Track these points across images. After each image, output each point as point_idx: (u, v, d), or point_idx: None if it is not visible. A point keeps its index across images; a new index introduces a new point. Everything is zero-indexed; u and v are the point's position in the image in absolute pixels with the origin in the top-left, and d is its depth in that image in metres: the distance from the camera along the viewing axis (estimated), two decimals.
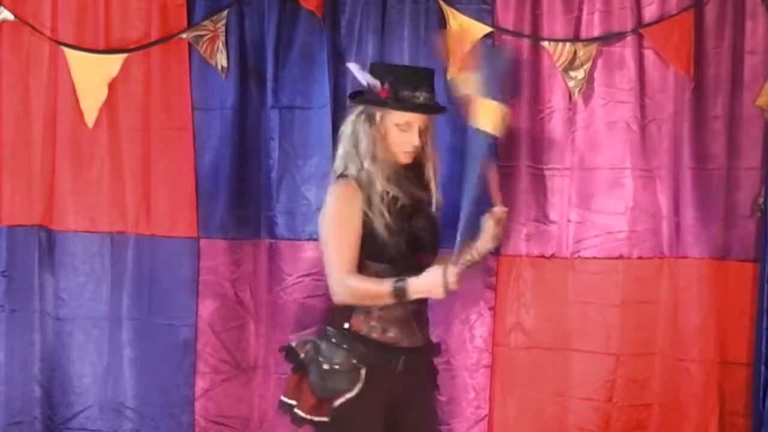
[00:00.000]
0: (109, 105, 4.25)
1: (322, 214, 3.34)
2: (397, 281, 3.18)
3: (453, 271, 3.12)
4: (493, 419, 4.06)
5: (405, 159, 3.32)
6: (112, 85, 4.23)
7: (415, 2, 4.07)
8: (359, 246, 3.24)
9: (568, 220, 3.99)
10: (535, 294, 4.03)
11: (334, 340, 3.29)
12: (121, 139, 4.28)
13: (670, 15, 3.86)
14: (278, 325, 4.19)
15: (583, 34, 3.95)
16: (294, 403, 3.31)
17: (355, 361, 3.26)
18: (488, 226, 3.35)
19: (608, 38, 3.93)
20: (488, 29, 4.00)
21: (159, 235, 4.26)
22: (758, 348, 3.79)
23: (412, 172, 3.36)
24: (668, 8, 3.87)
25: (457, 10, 4.00)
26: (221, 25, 4.17)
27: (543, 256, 4.02)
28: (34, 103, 4.29)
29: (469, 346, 4.04)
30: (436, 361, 3.54)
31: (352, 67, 3.43)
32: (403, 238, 3.27)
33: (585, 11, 3.95)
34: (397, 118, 3.28)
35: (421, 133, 3.30)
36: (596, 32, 3.94)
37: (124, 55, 4.21)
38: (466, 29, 3.96)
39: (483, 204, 3.34)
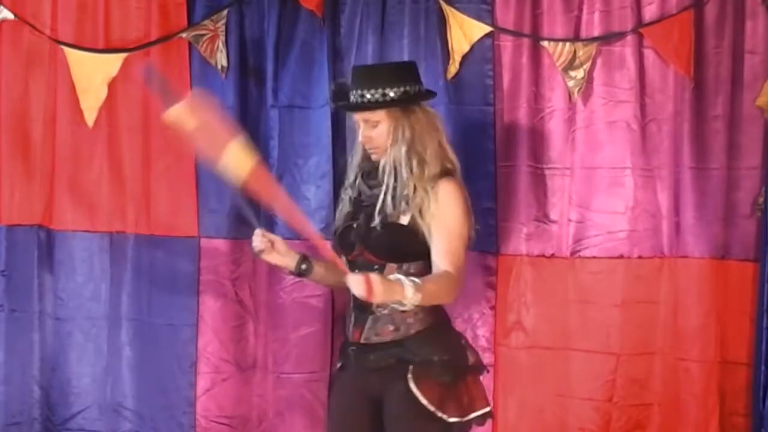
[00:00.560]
0: (109, 104, 4.25)
1: None
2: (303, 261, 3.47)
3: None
4: (495, 419, 4.04)
5: (373, 157, 3.39)
6: (112, 85, 4.24)
7: (415, 2, 4.06)
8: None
9: (569, 220, 3.98)
10: (535, 294, 4.03)
11: None
12: (121, 138, 4.28)
13: (670, 15, 3.85)
14: (278, 324, 4.19)
15: (583, 34, 3.95)
16: None
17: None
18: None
19: (608, 38, 3.92)
20: (488, 29, 4.00)
21: (159, 234, 4.26)
22: (758, 348, 3.78)
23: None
24: (668, 8, 3.86)
25: (457, 9, 4.00)
26: (221, 25, 4.17)
27: (543, 256, 4.02)
28: (34, 102, 4.30)
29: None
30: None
31: None
32: (339, 230, 3.46)
33: (585, 11, 3.94)
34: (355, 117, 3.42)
35: (368, 130, 3.36)
36: (596, 32, 3.93)
37: (124, 55, 4.22)
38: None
39: None
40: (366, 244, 3.34)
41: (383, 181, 3.34)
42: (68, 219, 4.32)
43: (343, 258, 3.37)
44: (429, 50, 4.05)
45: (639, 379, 3.93)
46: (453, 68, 4.03)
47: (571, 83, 3.94)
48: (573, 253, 3.98)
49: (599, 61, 3.94)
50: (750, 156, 3.84)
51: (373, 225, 3.33)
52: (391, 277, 3.18)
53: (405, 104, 3.33)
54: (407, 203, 3.30)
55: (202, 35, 4.18)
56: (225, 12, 4.17)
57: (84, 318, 4.34)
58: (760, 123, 3.83)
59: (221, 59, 4.18)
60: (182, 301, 4.25)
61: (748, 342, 3.84)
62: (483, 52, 4.02)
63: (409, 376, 3.29)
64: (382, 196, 3.33)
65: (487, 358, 4.02)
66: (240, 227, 4.19)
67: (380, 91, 3.31)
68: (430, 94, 3.47)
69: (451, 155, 3.40)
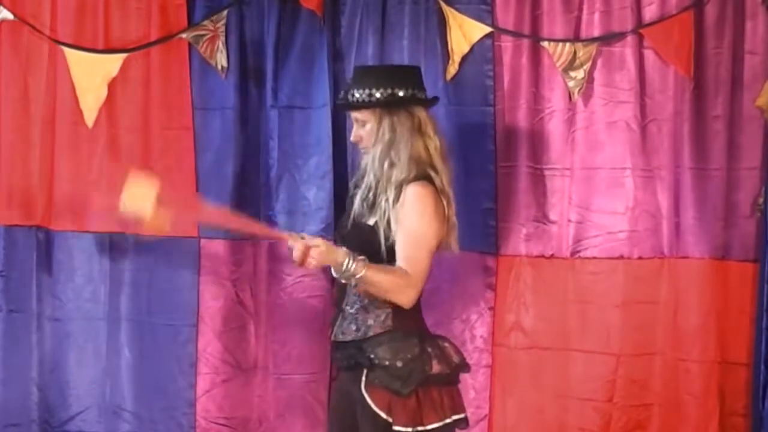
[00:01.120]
0: (109, 105, 4.25)
1: None
2: None
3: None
4: (493, 419, 4.05)
5: (364, 156, 3.41)
6: (111, 85, 4.23)
7: (415, 2, 4.07)
8: None
9: (568, 220, 3.98)
10: (535, 294, 4.02)
11: None
12: (121, 138, 4.28)
13: (670, 15, 3.85)
14: (278, 325, 4.19)
15: (583, 34, 3.95)
16: None
17: None
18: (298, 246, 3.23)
19: (608, 38, 3.93)
20: (488, 29, 4.01)
21: (159, 234, 4.24)
22: (758, 348, 3.78)
23: None
24: (668, 8, 3.87)
25: (457, 10, 4.01)
26: (221, 25, 4.17)
27: (543, 256, 4.02)
28: (34, 102, 4.30)
29: (469, 346, 4.02)
30: None
31: None
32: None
33: (585, 11, 3.94)
34: None
35: (358, 128, 3.37)
36: (596, 32, 3.94)
37: (123, 55, 4.21)
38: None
39: None
40: (342, 241, 3.35)
41: (361, 181, 3.37)
42: (67, 219, 4.31)
43: None
44: (429, 51, 4.05)
45: (639, 379, 3.93)
46: (453, 69, 4.03)
47: (571, 84, 3.94)
48: (573, 254, 3.98)
49: (599, 62, 3.94)
50: (750, 156, 3.85)
51: (348, 223, 3.36)
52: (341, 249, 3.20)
53: (388, 106, 3.32)
54: (375, 205, 3.29)
55: (202, 35, 4.18)
56: (225, 12, 4.17)
57: (83, 319, 4.34)
58: (760, 123, 3.83)
59: (221, 59, 4.18)
60: (182, 301, 4.25)
61: (748, 342, 3.84)
62: (483, 52, 4.02)
63: (363, 378, 3.25)
64: (357, 196, 3.35)
65: (485, 359, 4.04)
66: None
67: (367, 91, 3.32)
68: (419, 99, 3.37)
69: (439, 163, 3.33)
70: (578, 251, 3.98)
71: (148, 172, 3.31)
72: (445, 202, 3.30)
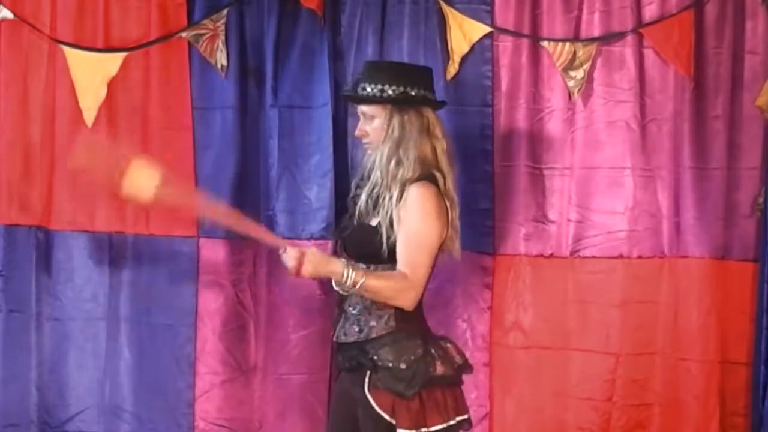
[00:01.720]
0: (109, 104, 4.24)
1: None
2: None
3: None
4: (493, 418, 4.05)
5: (367, 152, 3.40)
6: (111, 84, 4.23)
7: (415, 2, 4.07)
8: None
9: (568, 220, 3.99)
10: (534, 294, 4.03)
11: None
12: (121, 138, 4.27)
13: (670, 15, 3.87)
14: (278, 325, 4.18)
15: (583, 34, 3.96)
16: None
17: None
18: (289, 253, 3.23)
19: (608, 38, 3.93)
20: (488, 29, 4.01)
21: (158, 234, 4.25)
22: (758, 348, 3.79)
23: None
24: (668, 8, 3.88)
25: (457, 10, 4.01)
26: (221, 24, 4.17)
27: (542, 256, 4.02)
28: (33, 102, 4.28)
29: (470, 345, 4.02)
30: None
31: None
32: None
33: (585, 11, 3.95)
34: None
35: (365, 123, 3.35)
36: (596, 32, 3.94)
37: (123, 54, 4.21)
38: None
39: None
40: (344, 242, 3.35)
41: (367, 180, 3.35)
42: (67, 219, 4.30)
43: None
44: (429, 50, 4.06)
45: (639, 379, 3.94)
46: (452, 68, 4.04)
47: (571, 83, 3.94)
48: (572, 253, 3.99)
49: (599, 61, 3.95)
50: (750, 156, 3.86)
51: (351, 223, 3.34)
52: (338, 259, 3.21)
53: (400, 104, 3.31)
54: (378, 204, 3.28)
55: (202, 35, 4.17)
56: (225, 11, 4.17)
57: (82, 319, 4.33)
58: (760, 123, 3.84)
59: (221, 59, 4.18)
60: (181, 301, 4.24)
61: (748, 342, 3.85)
62: (482, 52, 4.03)
63: (366, 380, 3.23)
64: (363, 195, 3.33)
65: (485, 359, 4.04)
66: None
67: (379, 86, 3.30)
68: (430, 100, 3.38)
69: (445, 165, 3.32)
70: (578, 251, 3.98)
71: (151, 159, 3.28)
72: (448, 205, 3.29)
